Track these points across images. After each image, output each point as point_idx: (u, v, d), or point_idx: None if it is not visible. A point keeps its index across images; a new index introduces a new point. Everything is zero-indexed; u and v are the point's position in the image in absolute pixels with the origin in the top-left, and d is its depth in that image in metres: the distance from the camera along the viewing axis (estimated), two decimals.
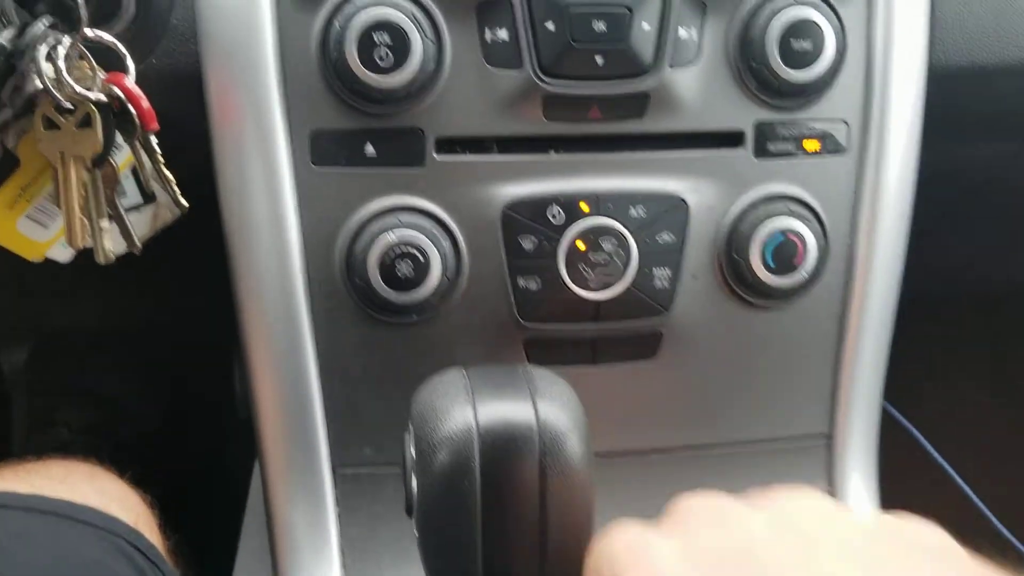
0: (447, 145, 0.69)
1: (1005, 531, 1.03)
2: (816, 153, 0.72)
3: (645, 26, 0.66)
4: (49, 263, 0.73)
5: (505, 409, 0.47)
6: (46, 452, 0.80)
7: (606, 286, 0.70)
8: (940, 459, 1.00)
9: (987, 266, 1.08)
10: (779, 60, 0.68)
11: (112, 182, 0.66)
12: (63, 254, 0.71)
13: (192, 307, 1.21)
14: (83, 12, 0.62)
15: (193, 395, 1.54)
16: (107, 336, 1.44)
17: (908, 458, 0.98)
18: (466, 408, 0.48)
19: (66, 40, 0.63)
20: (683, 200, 0.71)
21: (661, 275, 0.71)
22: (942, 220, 0.89)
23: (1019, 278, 1.09)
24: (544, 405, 0.48)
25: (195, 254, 0.78)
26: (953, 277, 1.08)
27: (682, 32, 0.68)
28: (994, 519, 1.03)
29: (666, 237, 0.71)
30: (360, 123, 0.68)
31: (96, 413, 1.53)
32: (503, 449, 0.46)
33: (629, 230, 0.70)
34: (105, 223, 0.66)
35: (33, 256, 0.71)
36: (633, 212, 0.70)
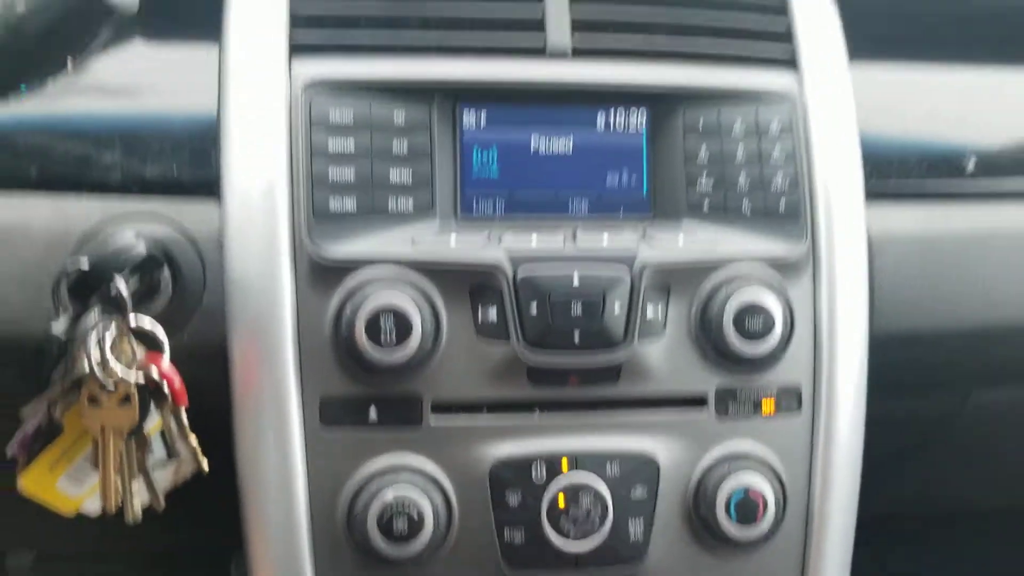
0: (442, 408, 0.78)
1: None
2: (772, 415, 0.80)
3: (616, 308, 0.76)
4: None
5: None
6: None
7: (585, 536, 0.77)
8: None
9: (939, 492, 1.14)
10: (735, 336, 0.78)
11: (144, 448, 0.74)
12: (93, 508, 0.78)
13: (194, 534, 1.26)
14: (129, 303, 0.72)
15: None
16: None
17: None
18: None
19: (113, 328, 0.72)
20: (654, 459, 0.78)
21: (636, 527, 0.78)
22: (896, 458, 0.97)
23: (971, 502, 1.15)
24: None
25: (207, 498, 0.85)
26: (908, 504, 1.14)
27: (649, 311, 0.78)
28: None
29: (639, 492, 0.78)
30: (365, 390, 0.77)
31: None
32: None
33: (606, 487, 0.77)
34: (136, 485, 0.73)
35: (67, 510, 0.78)
36: (609, 470, 0.78)
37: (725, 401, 0.80)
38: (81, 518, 1.18)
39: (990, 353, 0.90)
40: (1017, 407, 0.99)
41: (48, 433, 0.76)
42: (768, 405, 0.80)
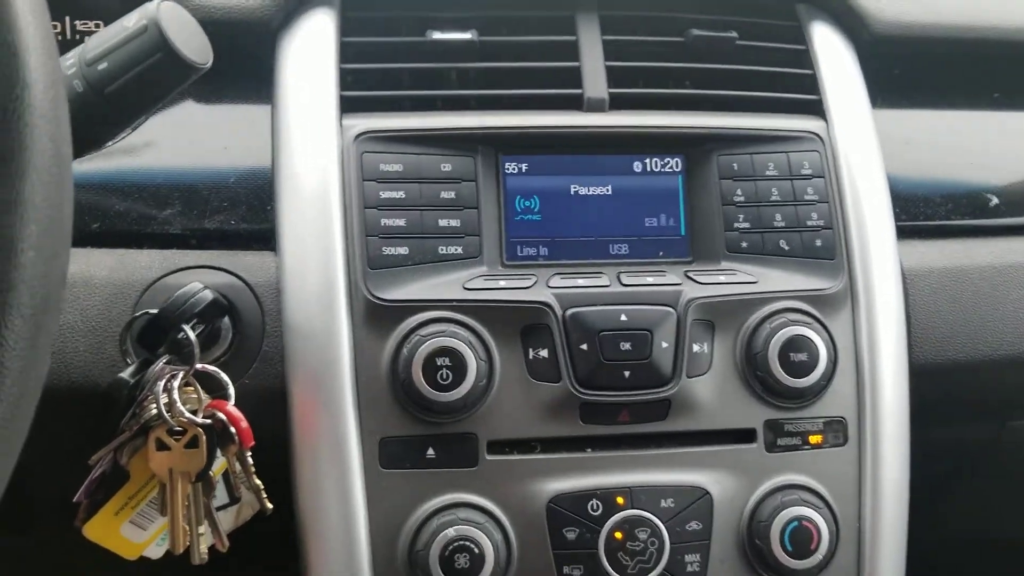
0: (497, 447, 0.80)
1: None
2: (819, 446, 0.82)
3: (664, 344, 0.79)
4: None
5: None
6: None
7: (643, 572, 0.78)
8: None
9: (989, 524, 1.15)
10: (780, 370, 0.80)
11: (210, 491, 0.76)
12: (157, 552, 0.79)
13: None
14: (196, 351, 0.74)
15: None
16: None
17: None
18: None
19: (180, 374, 0.74)
20: (707, 491, 0.80)
21: (692, 560, 0.79)
22: (943, 488, 0.98)
23: (1014, 532, 1.16)
24: None
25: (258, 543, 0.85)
26: (959, 536, 1.15)
27: (695, 347, 0.80)
28: None
29: (694, 525, 0.80)
30: (422, 430, 0.79)
31: None
32: None
33: (661, 520, 0.79)
34: (202, 528, 0.75)
35: (130, 555, 0.79)
36: (664, 503, 0.79)
37: (773, 434, 0.82)
38: (131, 569, 1.18)
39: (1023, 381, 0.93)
40: None
41: (112, 480, 0.77)
42: (816, 438, 0.82)
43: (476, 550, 0.76)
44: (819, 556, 0.80)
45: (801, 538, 0.79)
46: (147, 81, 0.65)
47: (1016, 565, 1.28)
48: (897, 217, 0.89)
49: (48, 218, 0.43)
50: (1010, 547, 1.21)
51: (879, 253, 0.86)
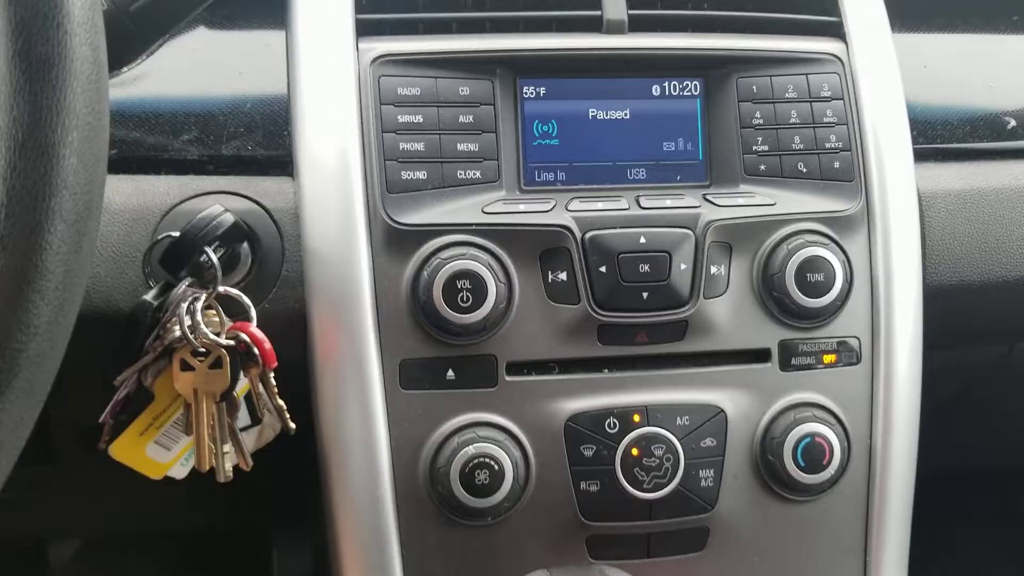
0: (516, 368, 0.81)
1: None
2: (833, 365, 0.83)
3: (682, 266, 0.79)
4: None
5: None
6: None
7: (658, 487, 0.80)
8: None
9: (997, 444, 1.17)
10: (797, 291, 0.81)
11: (234, 411, 0.77)
12: (181, 472, 0.81)
13: (238, 515, 1.29)
14: (219, 273, 0.75)
15: None
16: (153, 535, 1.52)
17: None
18: None
19: (202, 296, 0.75)
20: (722, 410, 0.82)
21: (706, 476, 0.81)
22: (952, 409, 1.00)
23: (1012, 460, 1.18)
24: None
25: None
26: (968, 456, 1.17)
27: (713, 269, 0.81)
28: None
29: (709, 442, 0.81)
30: (442, 352, 0.80)
31: None
32: None
33: (677, 437, 0.80)
34: (227, 447, 0.76)
35: (155, 475, 0.81)
36: (679, 421, 0.81)
37: (788, 354, 0.83)
38: (127, 502, 1.20)
39: None
40: None
41: (136, 402, 0.79)
42: (829, 357, 0.83)
43: (495, 467, 0.78)
44: (831, 471, 0.82)
45: (813, 454, 0.81)
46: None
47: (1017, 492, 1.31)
48: (915, 140, 0.88)
49: (88, 125, 0.43)
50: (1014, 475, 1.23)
51: (896, 175, 0.85)
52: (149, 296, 0.75)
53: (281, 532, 1.52)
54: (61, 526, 1.39)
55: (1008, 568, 1.48)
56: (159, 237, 0.77)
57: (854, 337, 0.84)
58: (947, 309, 0.88)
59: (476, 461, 0.78)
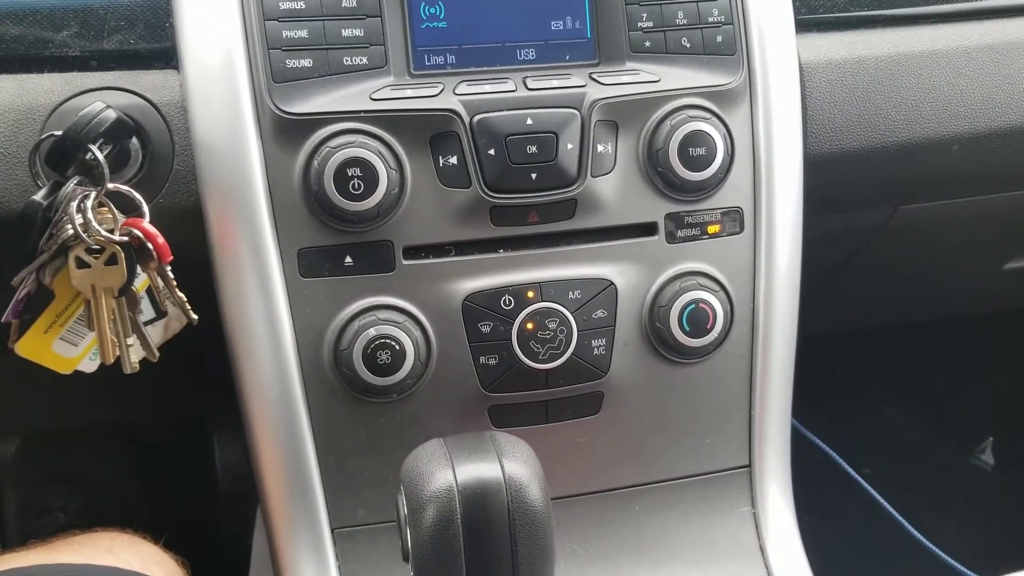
0: (412, 252, 0.83)
1: (913, 530, 1.18)
2: (717, 235, 0.87)
3: (569, 146, 0.81)
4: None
5: (478, 469, 0.63)
6: (42, 537, 0.89)
7: (553, 358, 0.84)
8: (845, 465, 1.15)
9: (878, 306, 1.24)
10: (680, 165, 0.84)
11: (134, 305, 0.79)
12: (90, 366, 0.83)
13: (173, 395, 1.32)
14: (106, 170, 0.75)
15: (175, 471, 1.63)
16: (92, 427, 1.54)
17: (822, 471, 1.12)
18: (447, 471, 0.63)
19: (92, 194, 0.75)
20: (612, 283, 0.85)
21: (598, 345, 0.85)
22: (835, 274, 1.05)
23: (905, 315, 1.25)
24: (509, 463, 0.64)
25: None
26: (849, 318, 1.24)
27: (600, 148, 0.83)
28: (900, 517, 1.17)
29: (600, 313, 0.85)
30: (339, 240, 0.82)
31: (88, 498, 1.62)
32: (479, 502, 0.62)
33: (569, 311, 0.84)
34: (131, 339, 0.78)
35: (64, 370, 0.83)
36: (571, 295, 0.84)
37: (674, 225, 0.86)
38: (62, 395, 1.22)
39: (914, 168, 0.97)
40: (939, 219, 1.07)
41: (39, 300, 0.80)
42: (714, 228, 0.87)
43: (397, 347, 0.81)
44: (714, 335, 0.87)
45: (698, 319, 0.86)
46: None
47: (909, 347, 1.39)
48: (797, 11, 0.90)
49: None
50: (903, 330, 1.31)
51: (777, 47, 0.88)
52: (39, 196, 0.75)
53: (215, 418, 1.56)
54: None
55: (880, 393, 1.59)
56: (43, 137, 0.77)
57: (737, 208, 0.88)
58: (830, 176, 0.92)
59: (378, 342, 0.81)
